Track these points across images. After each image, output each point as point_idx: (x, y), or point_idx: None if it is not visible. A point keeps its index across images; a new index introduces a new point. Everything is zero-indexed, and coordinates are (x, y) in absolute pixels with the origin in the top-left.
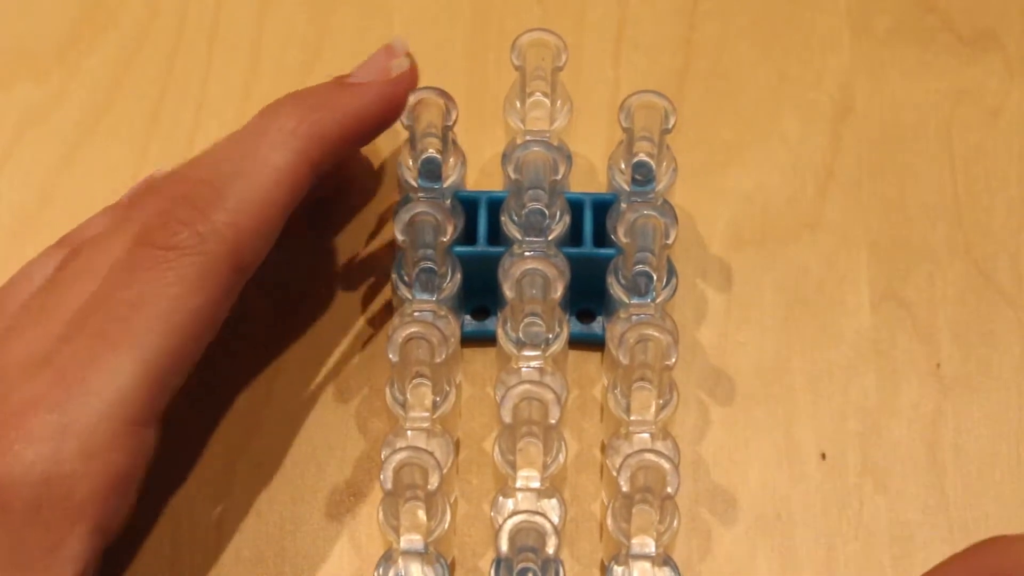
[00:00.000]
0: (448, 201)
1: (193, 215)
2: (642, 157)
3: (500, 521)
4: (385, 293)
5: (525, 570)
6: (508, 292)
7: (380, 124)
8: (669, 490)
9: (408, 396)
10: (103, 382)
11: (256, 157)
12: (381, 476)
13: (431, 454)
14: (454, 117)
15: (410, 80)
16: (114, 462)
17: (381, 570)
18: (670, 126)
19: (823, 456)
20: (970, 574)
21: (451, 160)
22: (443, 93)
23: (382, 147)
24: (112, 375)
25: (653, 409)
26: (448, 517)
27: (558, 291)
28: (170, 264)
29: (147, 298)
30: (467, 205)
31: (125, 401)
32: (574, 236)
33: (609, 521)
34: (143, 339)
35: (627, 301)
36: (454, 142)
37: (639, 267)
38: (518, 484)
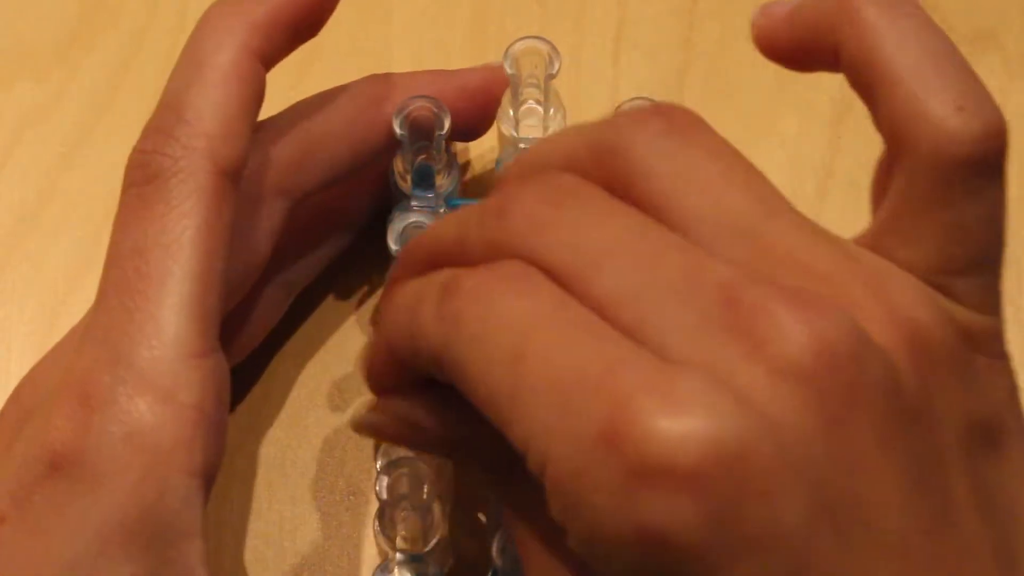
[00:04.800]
0: (442, 210)
1: (158, 141)
2: None
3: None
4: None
5: None
6: None
7: (315, 7)
8: None
9: None
10: (148, 330)
11: (199, 65)
12: (376, 487)
13: (427, 464)
14: (447, 125)
15: None
16: (189, 401)
17: None
18: None
19: None
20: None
21: (444, 168)
22: (436, 101)
23: None
24: (152, 322)
25: None
26: (444, 525)
27: None
28: (157, 196)
29: (151, 237)
30: None
31: (177, 339)
32: None
33: None
34: (165, 277)
35: None
36: (447, 149)
37: None
38: None
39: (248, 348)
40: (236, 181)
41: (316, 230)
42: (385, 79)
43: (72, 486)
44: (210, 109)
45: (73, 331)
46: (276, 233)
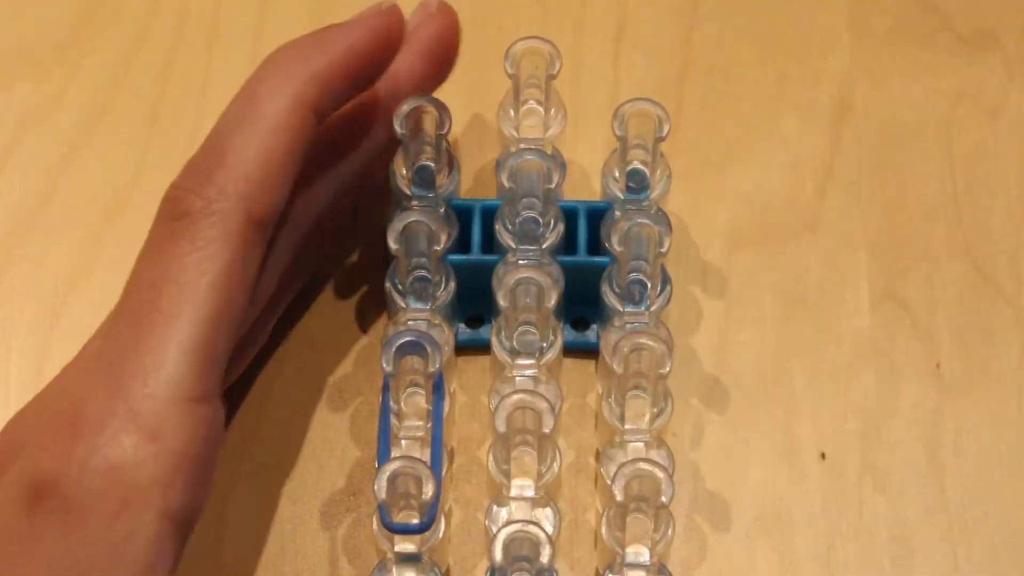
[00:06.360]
0: (442, 209)
1: (196, 181)
2: (636, 165)
3: (494, 530)
4: (380, 302)
5: None
6: (502, 301)
7: (376, 58)
8: (663, 499)
9: (403, 405)
10: (147, 366)
11: (253, 109)
12: (375, 486)
13: (425, 464)
14: (448, 125)
15: (400, 16)
16: (174, 443)
17: None
18: (664, 134)
19: (823, 456)
20: None
21: (445, 168)
22: (437, 101)
23: None
24: (153, 359)
25: (648, 418)
26: (442, 526)
27: (552, 300)
28: (183, 233)
29: (170, 274)
30: (461, 213)
31: (173, 380)
32: (568, 244)
33: (604, 530)
34: (175, 316)
35: (621, 309)
36: (448, 150)
37: (633, 275)
38: (512, 493)
39: (236, 373)
40: (267, 232)
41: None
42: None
43: (49, 518)
44: (253, 157)
45: (68, 367)
46: (282, 270)
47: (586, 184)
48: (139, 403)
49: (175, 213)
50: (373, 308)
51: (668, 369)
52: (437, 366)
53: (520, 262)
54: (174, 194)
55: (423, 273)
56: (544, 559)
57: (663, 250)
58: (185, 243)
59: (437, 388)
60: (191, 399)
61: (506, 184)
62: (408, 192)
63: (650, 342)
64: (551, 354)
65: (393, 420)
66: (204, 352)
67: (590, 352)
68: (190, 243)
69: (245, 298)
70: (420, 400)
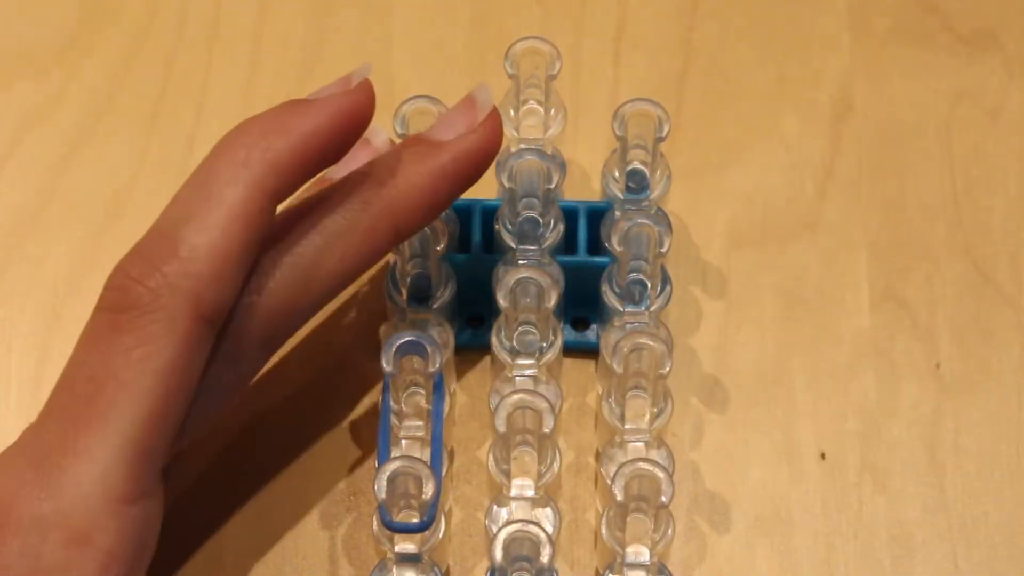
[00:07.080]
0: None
1: (144, 270)
2: (636, 165)
3: (494, 530)
4: (380, 302)
5: None
6: (502, 301)
7: (343, 138)
8: (663, 499)
9: (403, 405)
10: (79, 465)
11: (208, 197)
12: (375, 486)
13: (425, 464)
14: None
15: (371, 92)
16: (104, 545)
17: None
18: (664, 134)
19: (822, 456)
20: None
21: None
22: (436, 101)
23: None
24: (87, 457)
25: (647, 418)
26: (442, 526)
27: (552, 300)
28: (128, 328)
29: (111, 368)
30: (461, 213)
31: (107, 481)
32: (568, 244)
33: (604, 530)
34: (112, 413)
35: (621, 309)
36: None
37: (633, 275)
38: (512, 493)
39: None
40: (215, 328)
41: None
42: (372, 198)
43: None
44: (206, 249)
45: (0, 457)
46: (252, 376)
47: (586, 184)
48: (70, 504)
49: (122, 304)
50: (373, 308)
51: (668, 369)
52: (437, 366)
53: (520, 262)
54: (122, 283)
55: (423, 273)
56: (544, 559)
57: (663, 250)
58: (129, 338)
59: (437, 388)
60: (124, 500)
61: (506, 184)
62: None
63: (650, 342)
64: (551, 354)
65: (393, 420)
66: (140, 452)
67: (590, 352)
68: (135, 338)
69: (188, 395)
70: (420, 400)
